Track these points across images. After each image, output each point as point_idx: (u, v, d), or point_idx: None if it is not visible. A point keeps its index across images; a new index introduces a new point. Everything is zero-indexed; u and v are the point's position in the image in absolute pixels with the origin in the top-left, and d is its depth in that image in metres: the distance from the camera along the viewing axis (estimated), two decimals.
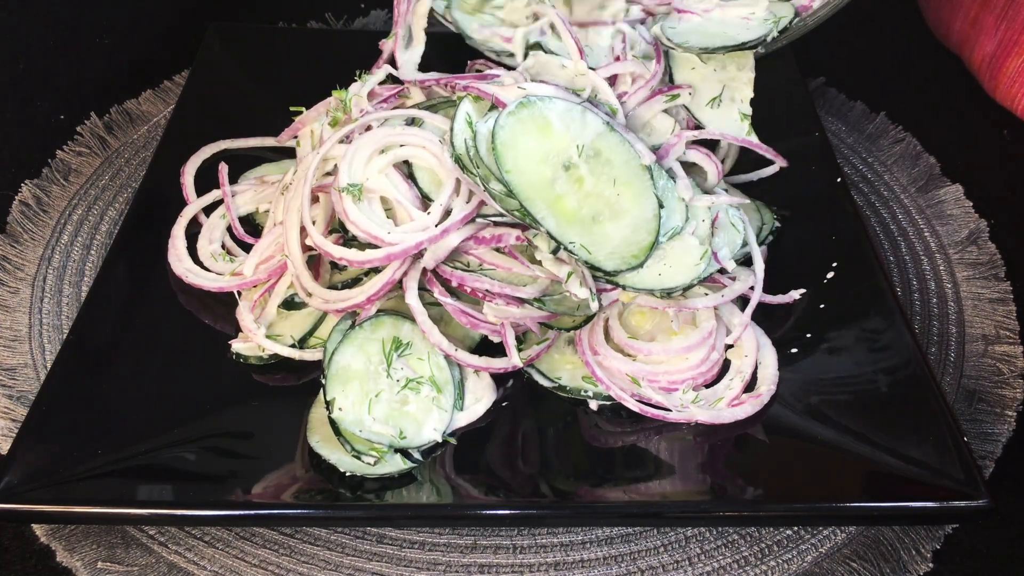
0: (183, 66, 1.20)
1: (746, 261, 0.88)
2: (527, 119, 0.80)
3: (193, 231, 0.94)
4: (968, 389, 0.87)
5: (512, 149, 0.79)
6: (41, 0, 1.34)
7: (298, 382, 0.82)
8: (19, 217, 1.01)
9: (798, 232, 0.93)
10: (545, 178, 0.79)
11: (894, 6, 1.37)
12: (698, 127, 0.93)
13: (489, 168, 0.79)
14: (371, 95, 0.92)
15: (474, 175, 0.79)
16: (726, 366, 0.84)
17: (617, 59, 0.94)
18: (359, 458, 0.74)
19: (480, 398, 0.80)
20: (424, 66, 0.98)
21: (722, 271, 0.85)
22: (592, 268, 0.78)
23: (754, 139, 0.93)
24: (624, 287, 0.80)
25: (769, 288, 0.88)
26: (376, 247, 0.80)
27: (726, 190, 0.94)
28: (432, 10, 1.00)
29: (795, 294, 0.88)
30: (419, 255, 0.81)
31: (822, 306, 0.88)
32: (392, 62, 0.99)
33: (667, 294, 0.80)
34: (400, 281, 0.81)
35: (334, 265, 0.86)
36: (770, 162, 0.98)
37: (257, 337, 0.82)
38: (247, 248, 0.92)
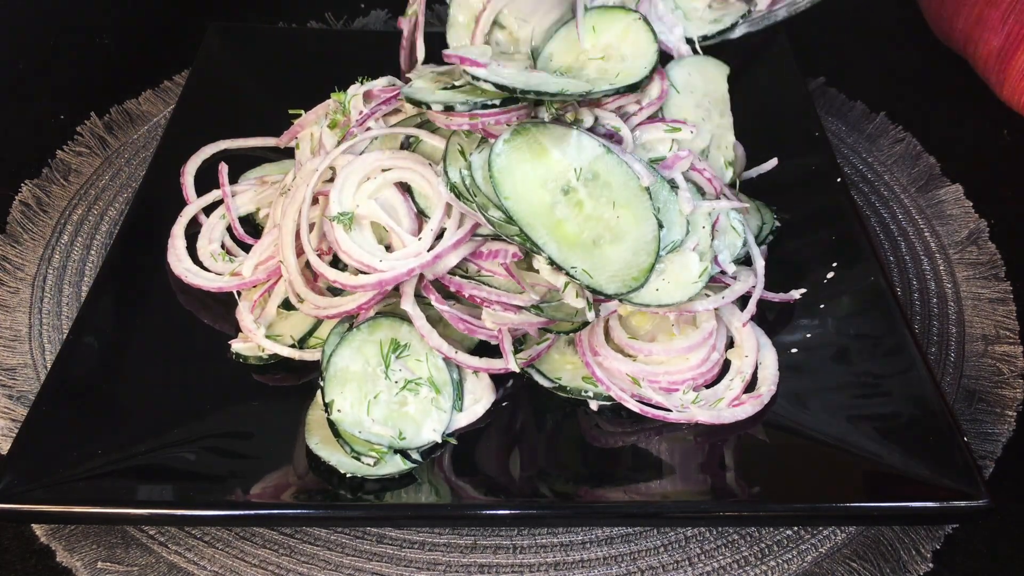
0: (183, 66, 1.20)
1: (746, 260, 0.88)
2: (523, 146, 0.80)
3: (193, 231, 0.94)
4: (968, 389, 0.87)
5: (510, 176, 0.79)
6: (41, 0, 1.34)
7: (298, 382, 0.82)
8: (19, 217, 1.01)
9: (798, 232, 0.93)
10: (545, 203, 0.79)
11: (894, 6, 1.37)
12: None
13: (487, 196, 0.79)
14: (370, 96, 0.92)
15: (471, 203, 0.79)
16: (726, 366, 0.84)
17: None
18: (359, 459, 0.74)
19: (479, 399, 0.80)
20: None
21: (723, 272, 0.85)
22: (593, 292, 0.78)
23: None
24: (622, 301, 0.80)
25: (769, 288, 0.88)
26: None
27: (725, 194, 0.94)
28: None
29: (795, 294, 0.88)
30: None
31: (822, 306, 0.88)
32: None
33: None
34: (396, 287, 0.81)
35: (334, 265, 0.85)
36: (766, 158, 0.98)
37: (257, 337, 0.82)
38: (247, 248, 0.92)
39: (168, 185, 0.97)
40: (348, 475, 0.74)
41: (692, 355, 0.82)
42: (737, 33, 0.99)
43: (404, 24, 1.01)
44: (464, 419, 0.79)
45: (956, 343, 0.91)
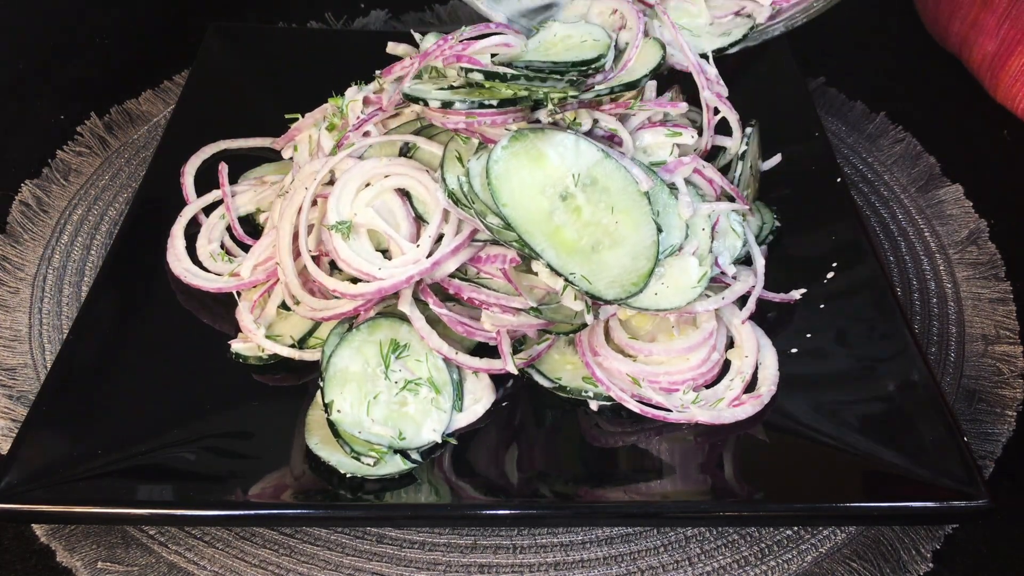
0: (183, 66, 1.20)
1: (746, 260, 0.88)
2: (521, 152, 0.80)
3: (193, 231, 0.94)
4: (968, 389, 0.87)
5: (508, 182, 0.78)
6: (41, 0, 1.34)
7: (298, 382, 0.82)
8: (19, 217, 1.01)
9: (798, 232, 0.93)
10: (543, 210, 0.79)
11: (894, 6, 1.37)
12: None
13: (485, 203, 0.79)
14: (368, 101, 0.92)
15: (469, 210, 0.79)
16: (726, 366, 0.84)
17: None
18: (359, 459, 0.74)
19: (479, 399, 0.80)
20: None
21: (722, 273, 0.85)
22: (593, 297, 0.78)
23: None
24: (621, 305, 0.80)
25: (769, 288, 0.88)
26: None
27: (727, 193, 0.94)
28: None
29: (795, 294, 0.88)
30: None
31: (822, 306, 0.88)
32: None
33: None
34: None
35: (333, 265, 0.85)
36: (765, 158, 0.98)
37: (256, 337, 0.82)
38: (247, 248, 0.92)
39: (168, 185, 0.97)
40: (348, 475, 0.74)
41: (692, 355, 0.82)
42: (734, 49, 0.99)
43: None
44: (464, 419, 0.79)
45: (956, 343, 0.91)
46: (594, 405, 0.81)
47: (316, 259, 0.84)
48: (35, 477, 0.72)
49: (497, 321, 0.81)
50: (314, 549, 0.76)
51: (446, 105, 0.82)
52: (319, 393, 0.77)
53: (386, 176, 0.84)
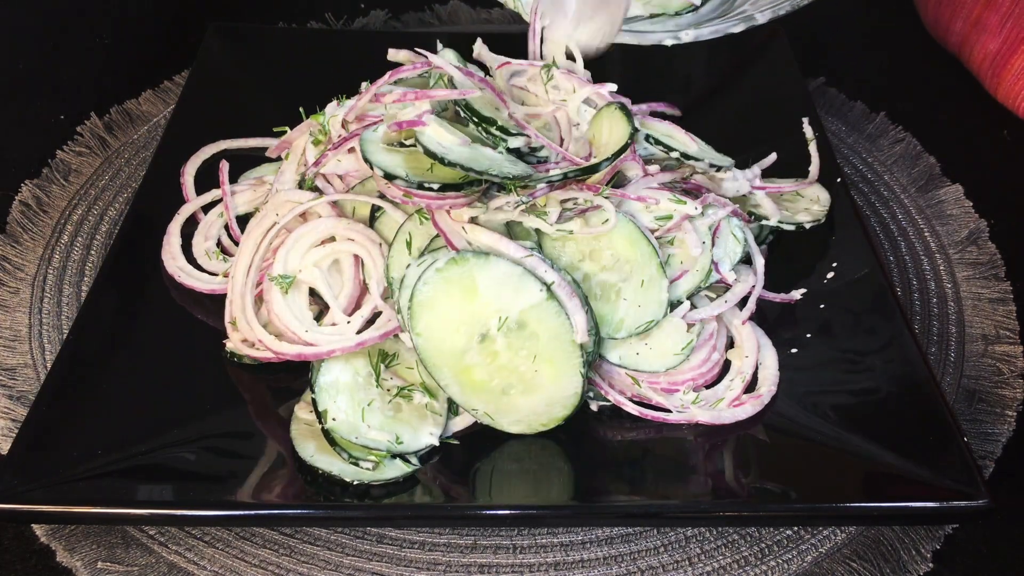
0: (183, 66, 1.20)
1: (746, 259, 0.88)
2: (454, 279, 0.75)
3: (190, 230, 0.93)
4: (968, 389, 0.87)
5: (429, 311, 0.75)
6: (41, 0, 1.34)
7: (296, 382, 0.82)
8: (19, 217, 1.01)
9: (798, 232, 0.93)
10: (456, 348, 0.75)
11: (893, 6, 1.37)
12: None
13: (404, 320, 0.76)
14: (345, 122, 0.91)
15: (398, 314, 0.77)
16: (726, 367, 0.84)
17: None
18: (357, 464, 0.73)
19: None
20: None
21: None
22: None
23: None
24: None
25: (769, 288, 0.87)
26: None
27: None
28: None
29: (796, 294, 0.88)
30: None
31: (822, 306, 0.88)
32: None
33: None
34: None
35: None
36: (766, 152, 0.97)
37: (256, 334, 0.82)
38: None
39: (168, 185, 0.97)
40: (355, 482, 0.73)
41: (693, 355, 0.82)
42: (738, 28, 0.96)
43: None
44: (462, 422, 0.79)
45: (956, 343, 0.91)
46: (594, 406, 0.81)
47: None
48: (35, 477, 0.72)
49: None
50: (314, 549, 0.76)
51: (389, 176, 0.78)
52: (297, 408, 0.77)
53: (342, 239, 0.84)
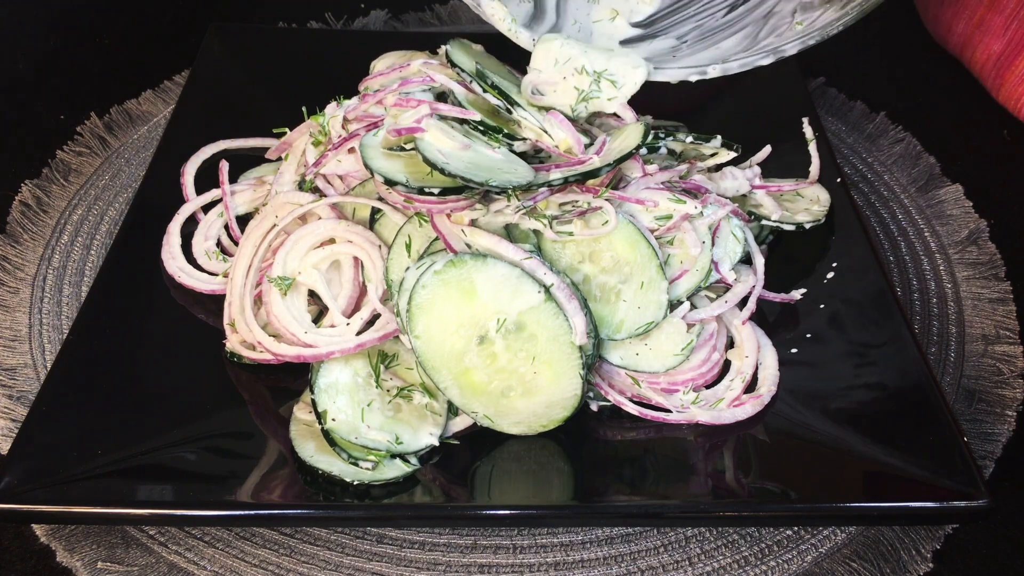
0: (183, 66, 1.20)
1: (746, 259, 0.88)
2: (453, 281, 0.75)
3: (190, 229, 0.93)
4: (968, 389, 0.87)
5: (428, 313, 0.75)
6: (41, 0, 1.34)
7: (296, 382, 0.82)
8: (19, 217, 1.01)
9: (798, 232, 0.93)
10: (455, 350, 0.75)
11: (894, 6, 1.36)
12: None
13: (403, 323, 0.77)
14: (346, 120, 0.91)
15: (398, 317, 0.77)
16: (726, 367, 0.84)
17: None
18: (356, 464, 0.73)
19: None
20: None
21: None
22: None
23: None
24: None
25: (769, 288, 0.87)
26: None
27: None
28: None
29: (796, 294, 0.88)
30: None
31: (822, 306, 0.88)
32: None
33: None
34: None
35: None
36: (758, 148, 0.97)
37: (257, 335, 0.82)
38: None
39: (168, 185, 0.97)
40: (355, 483, 0.73)
41: (692, 355, 0.82)
42: (767, 61, 0.94)
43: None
44: (462, 422, 0.79)
45: (956, 343, 0.91)
46: (594, 406, 0.81)
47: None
48: (35, 477, 0.72)
49: None
50: (314, 549, 0.76)
51: (389, 182, 0.78)
52: (296, 408, 0.77)
53: (342, 241, 0.84)
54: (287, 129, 0.96)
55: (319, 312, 0.84)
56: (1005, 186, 1.09)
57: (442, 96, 0.88)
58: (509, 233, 0.81)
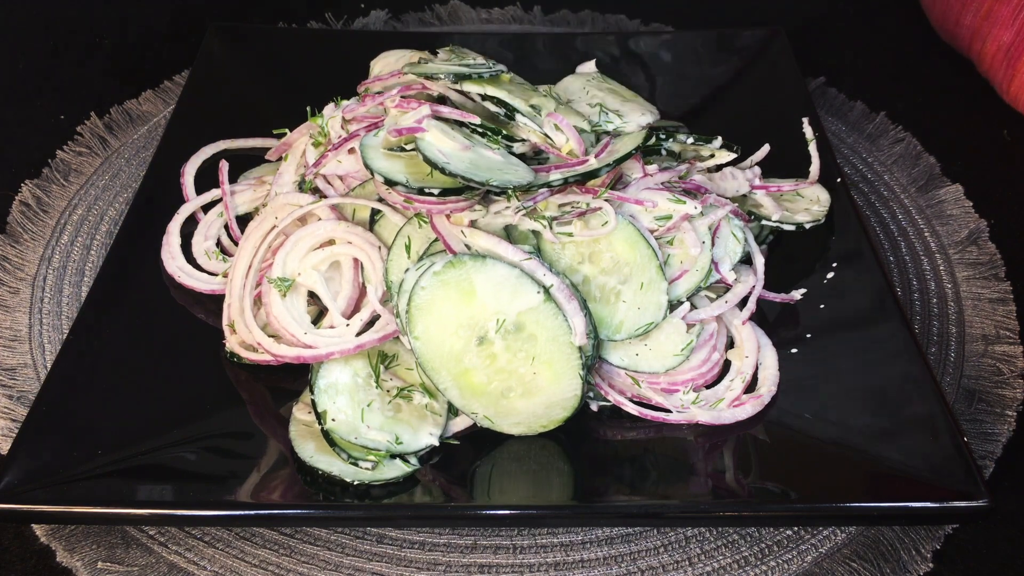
0: (183, 66, 1.20)
1: (746, 259, 0.88)
2: (452, 282, 0.75)
3: (190, 229, 0.93)
4: (968, 389, 0.87)
5: (427, 315, 0.75)
6: (41, 0, 1.34)
7: (296, 382, 0.82)
8: (19, 217, 1.01)
9: (798, 232, 0.93)
10: (454, 351, 0.75)
11: (894, 5, 1.37)
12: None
13: (403, 324, 0.77)
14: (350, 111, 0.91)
15: (397, 318, 0.77)
16: (726, 367, 0.84)
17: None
18: (356, 464, 0.73)
19: None
20: None
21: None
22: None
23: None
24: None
25: (769, 288, 0.87)
26: None
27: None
28: None
29: (796, 294, 0.88)
30: None
31: (822, 306, 0.88)
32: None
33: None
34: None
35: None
36: (758, 148, 0.97)
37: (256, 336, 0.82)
38: None
39: (168, 185, 0.97)
40: (355, 483, 0.73)
41: (692, 356, 0.82)
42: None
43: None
44: (462, 422, 0.79)
45: (956, 343, 0.91)
46: (594, 406, 0.81)
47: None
48: (35, 477, 0.72)
49: None
50: (314, 549, 0.76)
51: (390, 183, 0.78)
52: (295, 409, 0.77)
53: (346, 242, 0.84)
54: (287, 130, 0.96)
55: (319, 313, 0.84)
56: (1005, 186, 1.09)
57: (442, 99, 0.88)
58: (509, 234, 0.81)
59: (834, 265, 0.90)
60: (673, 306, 0.81)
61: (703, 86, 1.14)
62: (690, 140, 0.89)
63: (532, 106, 0.84)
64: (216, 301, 0.87)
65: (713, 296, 0.85)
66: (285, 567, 0.75)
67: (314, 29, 1.29)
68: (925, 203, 1.05)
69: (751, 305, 0.85)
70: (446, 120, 0.83)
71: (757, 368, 0.83)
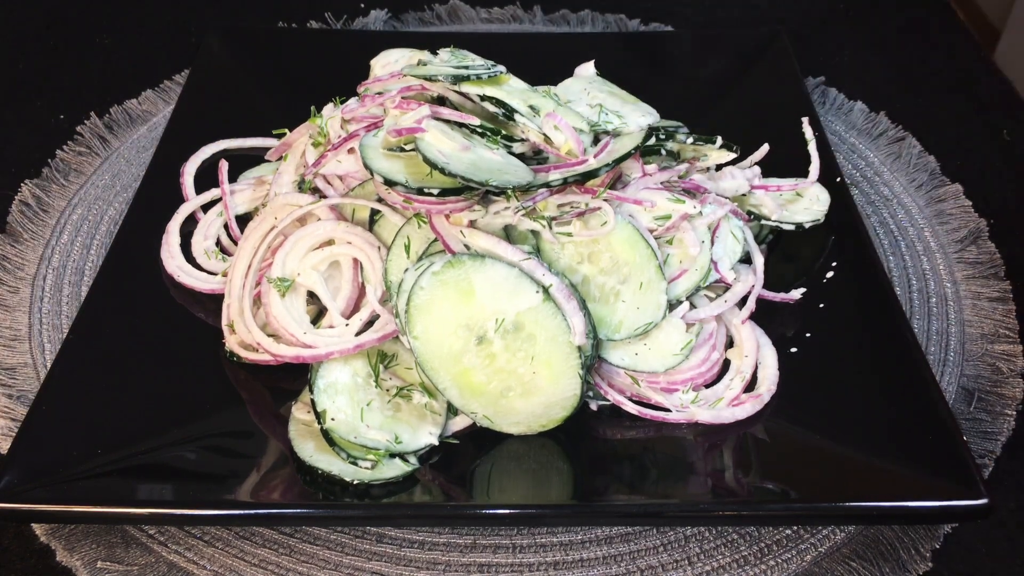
0: (183, 66, 1.20)
1: (746, 259, 0.88)
2: (451, 282, 0.75)
3: (190, 229, 0.94)
4: (968, 389, 0.87)
5: (426, 315, 0.75)
6: (41, 0, 1.34)
7: (296, 381, 0.82)
8: (19, 217, 1.01)
9: (798, 232, 0.93)
10: (454, 351, 0.75)
11: (895, 6, 1.37)
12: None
13: (402, 324, 0.76)
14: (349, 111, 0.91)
15: (397, 318, 0.77)
16: (726, 366, 0.84)
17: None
18: (355, 463, 0.73)
19: None
20: None
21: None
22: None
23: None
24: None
25: (769, 288, 0.88)
26: None
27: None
28: None
29: (796, 294, 0.88)
30: None
31: (822, 306, 0.88)
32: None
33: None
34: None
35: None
36: (758, 148, 0.97)
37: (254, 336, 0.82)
38: None
39: (168, 185, 0.97)
40: (354, 482, 0.73)
41: (692, 355, 0.82)
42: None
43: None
44: (461, 421, 0.79)
45: (956, 343, 0.91)
46: (593, 406, 0.81)
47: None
48: (35, 477, 0.72)
49: None
50: (314, 549, 0.76)
51: (389, 183, 0.78)
52: (295, 408, 0.77)
53: (347, 242, 0.84)
54: (287, 130, 0.96)
55: (318, 313, 0.84)
56: (1005, 186, 1.09)
57: (442, 99, 0.88)
58: (508, 234, 0.81)
59: (834, 265, 0.90)
60: (672, 305, 0.81)
61: (703, 86, 1.14)
62: (690, 140, 0.89)
63: (531, 106, 0.84)
64: (216, 301, 0.87)
65: (712, 295, 0.85)
66: (285, 566, 0.75)
67: (314, 29, 1.29)
68: (925, 203, 1.05)
69: (750, 304, 0.85)
70: (446, 121, 0.83)
71: (757, 367, 0.83)
